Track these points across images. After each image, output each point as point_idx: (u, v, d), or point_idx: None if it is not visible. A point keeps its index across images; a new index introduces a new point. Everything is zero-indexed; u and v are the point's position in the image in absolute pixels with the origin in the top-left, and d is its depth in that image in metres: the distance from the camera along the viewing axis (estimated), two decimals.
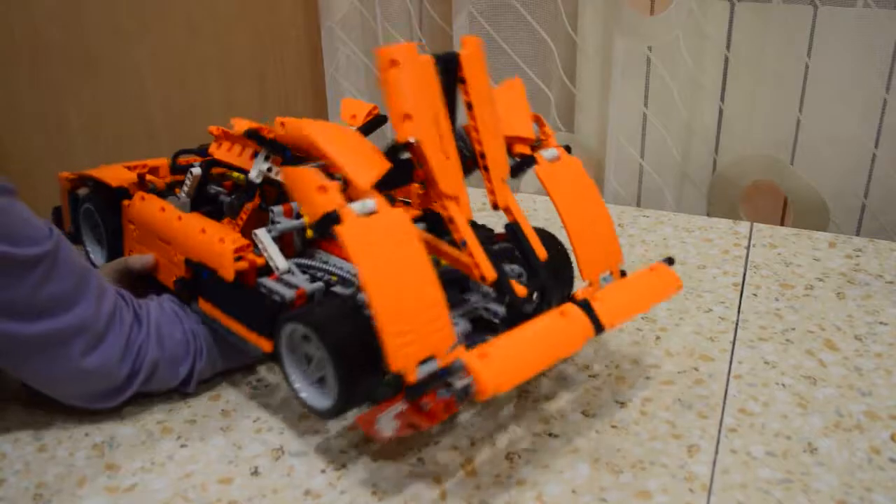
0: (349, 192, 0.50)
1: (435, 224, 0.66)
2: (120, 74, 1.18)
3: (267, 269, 0.61)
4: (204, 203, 0.71)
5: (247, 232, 0.62)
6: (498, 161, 0.59)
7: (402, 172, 0.57)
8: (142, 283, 0.69)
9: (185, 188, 0.70)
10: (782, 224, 1.09)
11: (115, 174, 0.75)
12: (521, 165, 0.63)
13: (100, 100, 1.17)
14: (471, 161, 0.59)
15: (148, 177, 0.76)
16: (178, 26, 1.22)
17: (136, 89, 1.21)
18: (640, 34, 1.08)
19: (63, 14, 1.10)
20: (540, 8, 1.14)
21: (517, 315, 0.56)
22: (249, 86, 1.36)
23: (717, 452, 0.58)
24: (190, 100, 1.26)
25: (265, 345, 0.57)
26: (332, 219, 0.48)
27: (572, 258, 0.62)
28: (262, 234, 0.61)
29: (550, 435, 0.60)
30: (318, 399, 0.54)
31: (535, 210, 1.07)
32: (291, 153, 0.62)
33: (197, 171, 0.70)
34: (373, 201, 0.50)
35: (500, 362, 0.48)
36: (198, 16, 1.24)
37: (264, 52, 1.35)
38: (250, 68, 1.34)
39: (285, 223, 0.64)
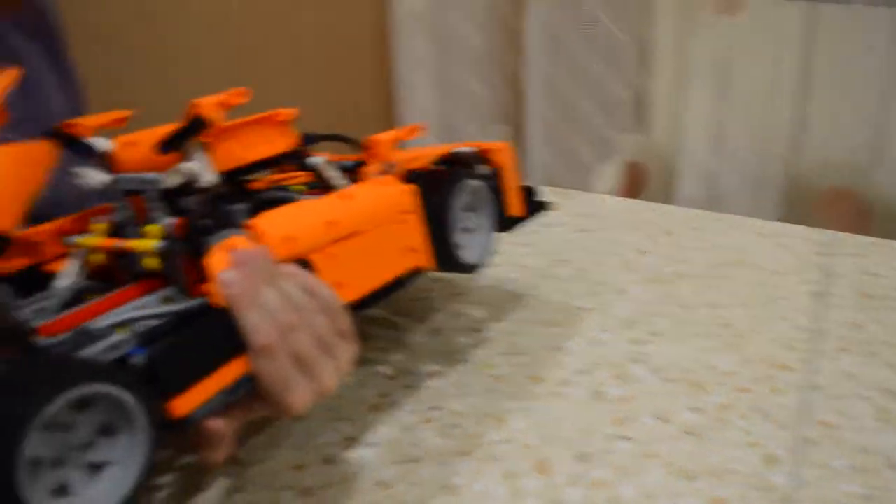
0: None
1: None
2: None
3: None
4: None
5: None
6: None
7: None
8: None
9: None
10: (862, 232, 1.06)
11: None
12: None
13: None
14: None
15: None
16: (246, 11, 1.23)
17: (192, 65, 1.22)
18: (717, 35, 1.06)
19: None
20: (615, 6, 1.13)
21: None
22: (314, 76, 1.37)
23: (796, 464, 0.56)
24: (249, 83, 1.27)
25: None
26: None
27: None
28: None
29: (624, 438, 0.59)
30: None
31: (608, 210, 1.06)
32: None
33: None
34: None
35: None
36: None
37: (331, 42, 1.36)
38: (315, 57, 1.35)
39: None
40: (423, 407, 0.64)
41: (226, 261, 0.46)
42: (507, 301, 0.82)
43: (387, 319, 0.78)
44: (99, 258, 0.51)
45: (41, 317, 0.46)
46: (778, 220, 1.10)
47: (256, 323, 0.45)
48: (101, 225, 0.53)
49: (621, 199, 1.12)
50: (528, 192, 0.74)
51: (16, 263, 0.53)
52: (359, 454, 0.59)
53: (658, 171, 1.19)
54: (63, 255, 0.53)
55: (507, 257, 0.91)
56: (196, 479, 0.56)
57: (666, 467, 0.56)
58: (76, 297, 0.50)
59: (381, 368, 0.69)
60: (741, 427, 0.60)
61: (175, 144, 0.51)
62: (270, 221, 0.50)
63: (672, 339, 0.73)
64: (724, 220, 1.02)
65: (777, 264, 0.88)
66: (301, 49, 1.33)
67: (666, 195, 1.18)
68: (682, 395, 0.64)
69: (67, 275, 0.51)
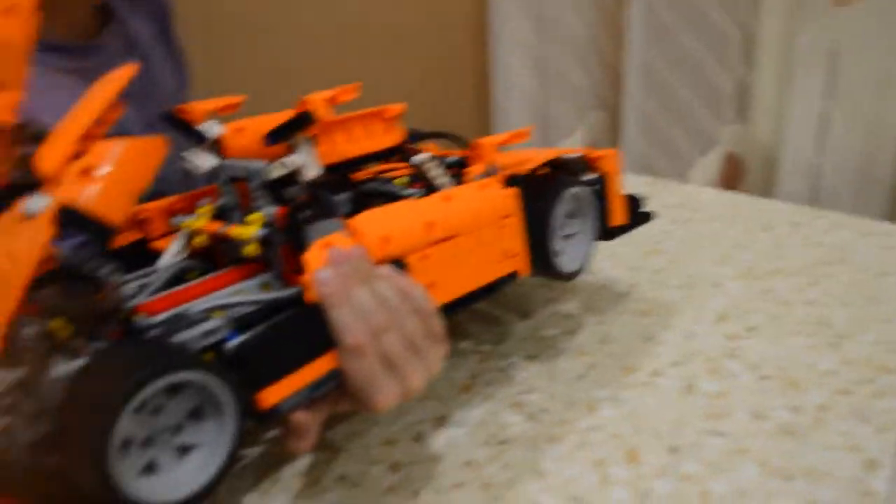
0: None
1: None
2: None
3: None
4: None
5: None
6: None
7: None
8: None
9: None
10: None
11: None
12: None
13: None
14: None
15: None
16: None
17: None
18: (826, 26, 1.02)
19: None
20: None
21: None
22: (409, 58, 1.37)
23: None
24: (347, 65, 1.28)
25: None
26: None
27: None
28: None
29: (717, 433, 0.58)
30: None
31: (705, 202, 1.04)
32: None
33: None
34: None
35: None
36: None
37: (430, 28, 1.36)
38: (411, 39, 1.36)
39: None
40: (514, 391, 0.64)
41: (323, 258, 0.47)
42: (599, 290, 0.81)
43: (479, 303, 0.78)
44: (202, 240, 0.53)
45: (144, 293, 0.48)
46: (884, 219, 1.06)
47: (348, 322, 0.46)
48: (205, 208, 0.54)
49: (719, 191, 1.10)
50: (633, 202, 0.73)
51: (124, 238, 0.55)
52: (448, 434, 0.59)
53: (758, 164, 1.16)
54: (169, 234, 0.55)
55: (601, 246, 0.90)
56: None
57: (760, 465, 0.55)
58: (178, 276, 0.52)
59: (473, 351, 0.70)
60: (840, 429, 0.58)
61: (282, 137, 0.52)
62: (369, 221, 0.51)
63: (768, 336, 0.71)
64: (827, 218, 0.99)
65: (881, 265, 0.85)
66: (402, 30, 1.34)
67: (765, 189, 1.15)
68: (778, 393, 0.63)
69: (171, 254, 0.53)
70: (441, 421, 0.60)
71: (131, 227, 0.55)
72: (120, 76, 0.43)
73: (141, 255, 0.53)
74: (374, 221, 0.51)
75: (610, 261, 0.87)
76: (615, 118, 1.31)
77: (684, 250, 0.90)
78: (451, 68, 1.43)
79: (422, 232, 0.53)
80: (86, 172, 0.40)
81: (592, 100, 1.35)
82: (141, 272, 0.51)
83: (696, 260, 0.87)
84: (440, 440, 0.58)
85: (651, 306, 0.77)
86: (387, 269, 0.49)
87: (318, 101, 0.52)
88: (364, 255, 0.48)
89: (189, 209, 0.56)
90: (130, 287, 0.48)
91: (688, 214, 1.01)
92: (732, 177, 1.21)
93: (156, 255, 0.53)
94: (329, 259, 0.47)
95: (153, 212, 0.56)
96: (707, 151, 1.20)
